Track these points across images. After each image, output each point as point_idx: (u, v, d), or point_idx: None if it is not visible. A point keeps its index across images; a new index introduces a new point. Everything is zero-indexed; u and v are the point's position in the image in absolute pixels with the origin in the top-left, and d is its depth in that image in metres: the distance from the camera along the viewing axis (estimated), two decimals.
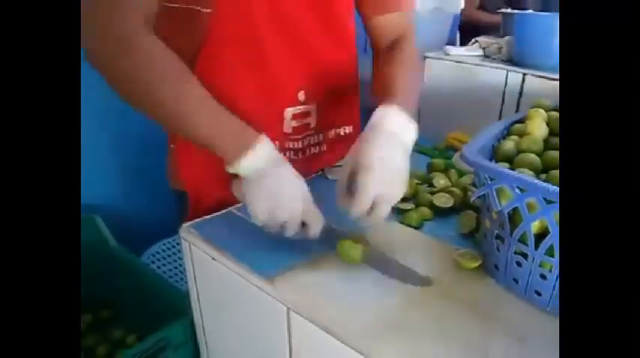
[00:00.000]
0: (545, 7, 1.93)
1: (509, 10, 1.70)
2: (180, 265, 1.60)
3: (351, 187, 0.71)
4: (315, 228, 0.72)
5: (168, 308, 1.08)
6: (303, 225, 0.72)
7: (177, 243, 1.60)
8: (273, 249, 0.75)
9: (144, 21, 0.69)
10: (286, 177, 0.72)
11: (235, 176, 0.73)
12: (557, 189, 0.54)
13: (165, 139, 0.93)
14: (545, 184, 0.56)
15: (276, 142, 0.88)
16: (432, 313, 0.63)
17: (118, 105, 0.74)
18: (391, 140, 0.73)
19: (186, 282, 0.89)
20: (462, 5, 2.00)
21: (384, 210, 0.70)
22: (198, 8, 0.75)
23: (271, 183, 0.70)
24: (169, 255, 1.59)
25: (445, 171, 1.02)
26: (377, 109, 0.75)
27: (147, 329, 1.05)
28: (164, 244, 1.58)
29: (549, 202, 0.56)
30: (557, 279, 0.60)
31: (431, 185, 0.96)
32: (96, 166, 1.45)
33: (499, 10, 1.74)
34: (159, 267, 1.56)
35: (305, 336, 0.66)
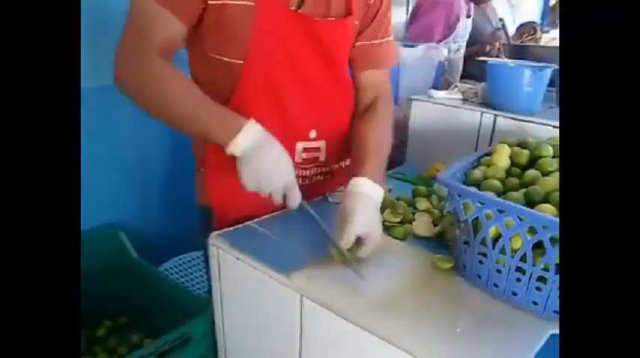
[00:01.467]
0: (518, 56, 2.15)
1: (484, 59, 1.92)
2: (193, 279, 1.75)
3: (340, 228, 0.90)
4: (293, 202, 0.92)
5: (186, 312, 1.22)
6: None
7: (190, 260, 1.76)
8: (288, 251, 0.93)
9: (158, 51, 0.89)
10: (271, 155, 0.91)
11: None
12: (505, 201, 0.74)
13: (184, 162, 1.12)
14: (497, 199, 0.75)
15: None
16: (415, 299, 0.81)
17: (141, 131, 0.94)
18: (365, 200, 0.92)
19: (202, 291, 1.05)
20: (446, 54, 2.22)
21: (368, 246, 0.89)
22: (234, 60, 0.96)
23: (257, 160, 0.89)
24: (182, 270, 1.74)
25: (428, 196, 1.21)
26: (353, 179, 0.95)
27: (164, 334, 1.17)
28: (179, 259, 1.74)
29: (501, 212, 0.75)
30: (509, 272, 0.78)
31: (416, 207, 1.15)
32: (120, 187, 1.62)
33: (477, 58, 1.97)
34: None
35: (314, 317, 0.83)
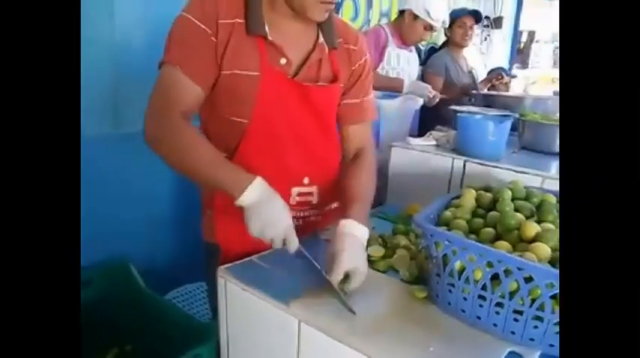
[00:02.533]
0: (486, 104, 2.38)
1: (456, 108, 2.13)
2: (195, 307, 1.88)
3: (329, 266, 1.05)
4: (292, 246, 1.06)
5: (192, 339, 1.35)
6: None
7: (192, 290, 1.89)
8: (287, 283, 1.08)
9: (182, 114, 1.06)
10: (274, 207, 1.05)
11: None
12: (467, 240, 0.91)
13: (191, 197, 1.27)
14: (461, 238, 0.92)
15: None
16: (395, 324, 0.96)
17: (152, 167, 1.09)
18: (352, 240, 1.07)
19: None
20: (421, 102, 2.44)
21: (355, 280, 1.04)
22: (240, 120, 1.13)
23: (262, 211, 1.04)
24: (185, 300, 1.87)
25: (406, 233, 1.37)
26: (341, 221, 1.10)
27: None
28: (183, 289, 1.87)
29: (464, 249, 0.92)
30: (473, 299, 0.94)
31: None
32: (129, 220, 1.76)
33: (450, 107, 2.17)
34: None
35: (310, 340, 0.98)
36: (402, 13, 2.71)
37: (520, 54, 5.95)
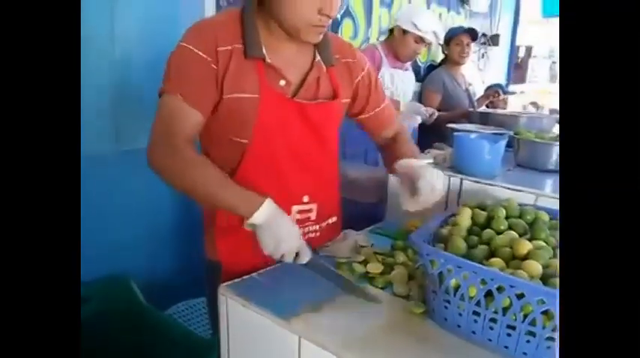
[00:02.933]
0: (482, 121, 2.42)
1: (452, 126, 2.17)
2: (195, 323, 1.90)
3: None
4: (305, 257, 1.13)
5: (192, 354, 1.38)
6: (297, 256, 1.14)
7: (192, 305, 1.92)
8: (287, 299, 1.11)
9: (185, 138, 1.10)
10: (284, 224, 1.11)
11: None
12: (461, 259, 0.94)
13: (192, 213, 1.31)
14: (455, 257, 0.96)
15: None
16: (393, 339, 0.99)
17: (153, 184, 1.13)
18: (428, 169, 1.19)
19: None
20: (420, 120, 2.48)
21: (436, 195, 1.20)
22: (241, 140, 1.17)
23: (274, 228, 1.09)
24: (185, 315, 1.90)
25: (405, 250, 1.40)
26: (408, 159, 1.26)
27: None
28: (183, 305, 1.90)
29: (459, 267, 0.95)
30: (468, 315, 0.97)
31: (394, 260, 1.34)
32: (130, 235, 1.80)
33: (448, 125, 2.22)
34: None
35: (311, 356, 1.00)
36: (392, 31, 2.76)
37: (518, 69, 6.02)
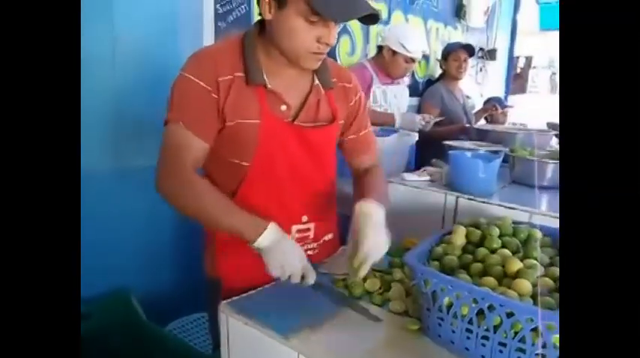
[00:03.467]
0: (479, 137, 2.46)
1: (449, 143, 2.20)
2: (196, 338, 1.92)
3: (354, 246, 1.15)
4: (310, 279, 1.16)
5: None
6: (303, 278, 1.16)
7: (193, 320, 1.94)
8: (287, 317, 1.14)
9: (191, 166, 1.15)
10: (289, 247, 1.15)
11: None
12: (453, 278, 0.97)
13: (192, 228, 1.34)
14: (448, 277, 0.99)
15: None
16: (391, 355, 1.02)
17: (153, 199, 1.17)
18: (375, 223, 1.16)
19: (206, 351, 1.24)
20: (416, 137, 2.52)
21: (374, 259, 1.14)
22: (242, 162, 1.21)
23: (279, 251, 1.13)
24: (186, 330, 1.92)
25: (402, 266, 1.43)
26: (362, 202, 1.19)
27: None
28: (184, 319, 1.92)
29: (452, 286, 0.98)
30: (461, 332, 1.00)
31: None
32: (130, 250, 1.83)
33: (444, 142, 2.25)
34: None
35: None
36: (380, 48, 2.78)
37: (518, 79, 6.06)
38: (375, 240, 1.14)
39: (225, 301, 1.22)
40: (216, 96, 1.15)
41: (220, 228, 1.21)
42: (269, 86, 1.19)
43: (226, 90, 1.15)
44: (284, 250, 1.13)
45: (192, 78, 1.14)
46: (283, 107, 1.22)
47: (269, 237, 1.12)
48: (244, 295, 1.24)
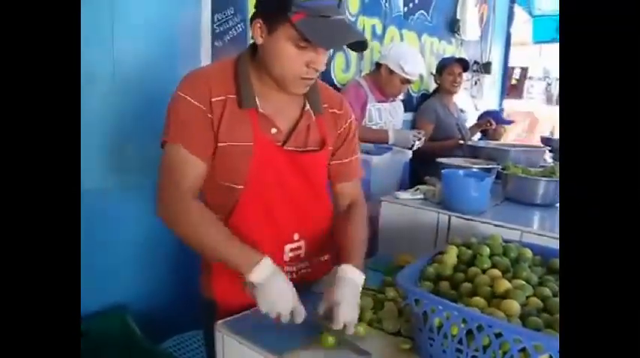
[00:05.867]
0: (473, 154, 2.49)
1: (442, 160, 2.23)
2: (193, 357, 1.94)
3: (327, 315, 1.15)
4: (300, 318, 1.15)
5: None
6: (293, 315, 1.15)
7: (189, 338, 1.95)
8: (281, 337, 1.16)
9: (189, 190, 1.17)
10: (280, 284, 1.14)
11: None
12: (443, 300, 1.00)
13: (187, 248, 1.36)
14: (438, 298, 1.02)
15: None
16: None
17: (151, 215, 1.19)
18: (352, 288, 1.17)
19: None
20: (410, 155, 2.54)
21: (350, 330, 1.14)
22: (235, 186, 1.24)
23: (270, 288, 1.13)
24: (182, 348, 1.93)
25: (395, 285, 1.45)
26: (340, 266, 1.20)
27: None
28: (180, 337, 1.94)
29: (441, 307, 1.01)
30: (452, 353, 1.03)
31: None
32: (126, 267, 1.85)
33: (437, 160, 2.28)
34: None
35: None
36: (378, 65, 2.80)
37: (514, 89, 6.10)
38: (350, 312, 1.14)
39: (221, 320, 1.24)
40: (211, 116, 1.17)
41: (217, 259, 1.22)
42: (260, 109, 1.21)
43: (220, 111, 1.18)
44: (276, 288, 1.13)
45: (188, 98, 1.16)
46: (274, 130, 1.24)
47: (263, 271, 1.12)
48: (240, 315, 1.27)
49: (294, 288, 1.17)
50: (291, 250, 1.35)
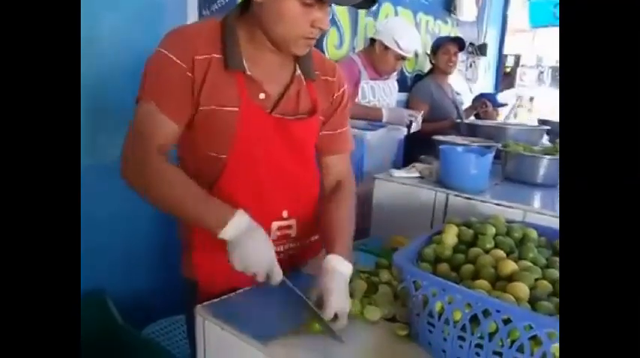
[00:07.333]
0: (470, 133, 2.40)
1: (439, 138, 2.14)
2: (175, 342, 1.85)
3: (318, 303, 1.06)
4: (276, 279, 1.07)
5: None
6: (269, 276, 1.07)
7: (172, 323, 1.86)
8: (266, 321, 1.07)
9: (158, 150, 1.07)
10: (257, 240, 1.06)
11: None
12: (445, 281, 0.90)
13: (171, 226, 1.26)
14: (439, 279, 0.92)
15: None
16: None
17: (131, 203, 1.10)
18: (340, 278, 1.09)
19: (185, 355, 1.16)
20: (404, 132, 2.45)
21: (343, 319, 1.05)
22: (219, 155, 1.13)
23: (244, 245, 1.04)
24: (164, 333, 1.84)
25: (389, 267, 1.36)
26: (328, 256, 1.13)
27: None
28: (163, 322, 1.84)
29: (444, 290, 0.91)
30: (453, 340, 0.93)
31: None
32: (106, 249, 1.74)
33: (434, 137, 2.19)
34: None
35: None
36: (372, 41, 2.71)
37: (507, 77, 6.08)
38: (340, 303, 1.06)
39: (201, 304, 1.14)
40: (190, 75, 1.07)
41: (185, 218, 1.15)
42: (248, 72, 1.11)
43: (203, 71, 1.08)
44: (250, 243, 1.05)
45: (167, 54, 1.06)
46: (262, 95, 1.14)
47: (236, 226, 1.03)
48: (222, 298, 1.17)
49: (272, 246, 1.08)
50: (279, 228, 1.25)
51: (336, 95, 1.29)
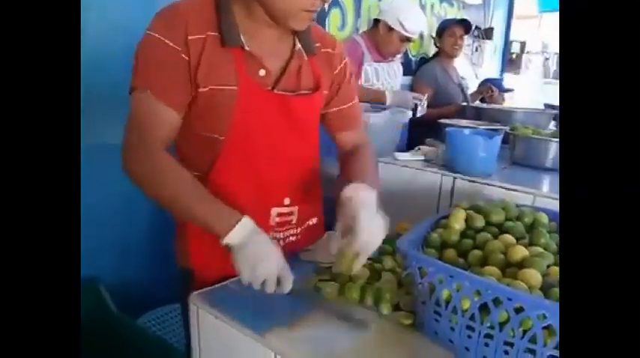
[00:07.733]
0: (476, 117, 2.33)
1: (445, 121, 2.07)
2: (171, 331, 1.80)
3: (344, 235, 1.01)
4: (287, 286, 1.00)
5: None
6: (279, 283, 1.00)
7: (168, 312, 1.82)
8: (263, 312, 1.01)
9: (159, 143, 1.01)
10: (263, 246, 0.99)
11: None
12: (453, 267, 0.84)
13: (164, 217, 1.21)
14: (446, 265, 0.86)
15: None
16: (381, 352, 0.90)
17: (126, 183, 1.04)
18: (370, 209, 1.02)
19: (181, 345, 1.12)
20: (409, 115, 2.38)
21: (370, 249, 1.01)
22: (216, 136, 1.07)
23: (251, 251, 0.97)
24: (160, 323, 1.80)
25: (393, 254, 1.31)
26: (352, 185, 1.04)
27: None
28: (158, 311, 1.80)
29: (451, 276, 0.86)
30: (461, 330, 0.88)
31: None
32: (100, 237, 1.68)
33: (440, 121, 2.12)
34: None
35: None
36: (376, 22, 2.63)
37: (512, 63, 6.01)
38: (372, 229, 0.99)
39: (196, 292, 1.09)
40: (186, 58, 1.00)
41: (191, 220, 1.08)
42: (247, 48, 1.05)
43: (198, 51, 1.01)
44: (257, 250, 0.98)
45: (159, 37, 0.99)
46: (262, 72, 1.08)
47: (241, 232, 0.97)
48: (217, 286, 1.12)
49: (279, 251, 1.01)
50: (279, 215, 1.20)
51: (339, 67, 1.23)
